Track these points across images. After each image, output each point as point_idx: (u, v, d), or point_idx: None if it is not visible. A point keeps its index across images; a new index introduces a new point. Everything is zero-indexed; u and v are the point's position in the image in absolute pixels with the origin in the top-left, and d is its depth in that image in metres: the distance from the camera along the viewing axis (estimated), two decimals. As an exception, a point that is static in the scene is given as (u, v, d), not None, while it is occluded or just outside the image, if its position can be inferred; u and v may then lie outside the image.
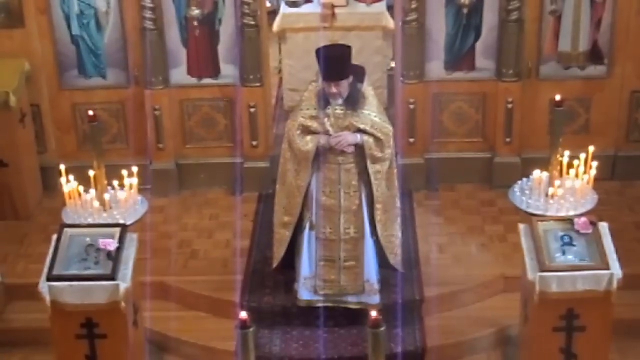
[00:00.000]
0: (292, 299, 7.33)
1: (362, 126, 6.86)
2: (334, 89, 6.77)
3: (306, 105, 6.94)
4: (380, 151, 6.93)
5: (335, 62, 6.76)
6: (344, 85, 6.79)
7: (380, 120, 6.93)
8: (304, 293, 7.26)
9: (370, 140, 6.89)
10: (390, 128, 6.97)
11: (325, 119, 6.86)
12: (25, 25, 8.37)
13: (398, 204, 7.28)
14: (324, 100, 6.85)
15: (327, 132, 6.87)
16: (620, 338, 7.03)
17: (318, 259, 7.15)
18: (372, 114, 6.90)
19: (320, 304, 7.26)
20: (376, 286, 7.24)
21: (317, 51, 6.82)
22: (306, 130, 6.90)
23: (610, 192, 8.46)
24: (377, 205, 7.06)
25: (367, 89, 6.96)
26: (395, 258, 7.33)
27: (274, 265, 7.38)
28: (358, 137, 6.88)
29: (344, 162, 6.96)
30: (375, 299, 7.26)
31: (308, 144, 6.89)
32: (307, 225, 7.10)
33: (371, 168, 6.96)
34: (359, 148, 6.91)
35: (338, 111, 6.87)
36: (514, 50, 8.32)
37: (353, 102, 6.85)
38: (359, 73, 6.94)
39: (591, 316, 6.58)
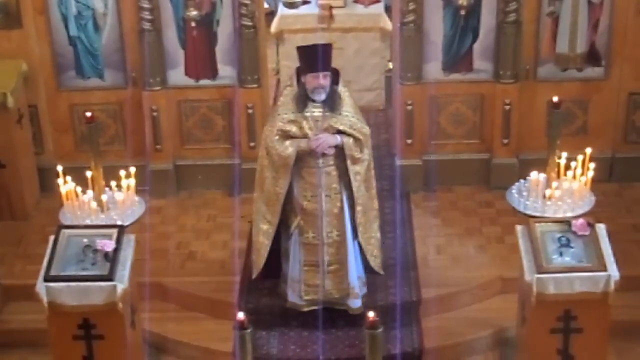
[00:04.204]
0: (284, 300, 7.33)
1: (341, 127, 6.85)
2: (322, 81, 6.74)
3: (284, 110, 6.92)
4: (360, 151, 6.92)
5: (321, 53, 6.74)
6: (329, 78, 6.78)
7: (358, 120, 6.93)
8: (291, 295, 7.25)
9: (350, 141, 6.88)
10: (367, 129, 6.97)
11: (304, 122, 6.85)
12: (23, 26, 8.37)
13: (376, 205, 7.27)
14: (302, 103, 6.84)
15: (305, 136, 6.86)
16: (617, 340, 7.04)
17: (302, 264, 7.13)
18: (349, 114, 6.90)
19: (305, 309, 7.25)
20: (357, 290, 7.20)
21: (300, 48, 6.84)
22: (285, 135, 6.86)
23: (608, 194, 8.46)
24: (358, 208, 7.02)
25: (342, 90, 6.96)
26: (375, 260, 7.29)
27: (254, 276, 7.34)
28: (338, 139, 6.86)
29: (324, 165, 6.93)
30: (356, 302, 7.23)
31: (288, 148, 6.86)
32: (297, 231, 7.08)
33: (351, 169, 6.93)
34: (339, 150, 6.89)
35: (316, 114, 6.86)
36: (511, 52, 8.33)
37: (331, 103, 6.84)
38: (335, 74, 6.93)
39: (588, 318, 6.58)
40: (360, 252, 7.22)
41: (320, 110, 6.85)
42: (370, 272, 7.33)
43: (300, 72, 6.87)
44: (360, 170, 6.96)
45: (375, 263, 7.30)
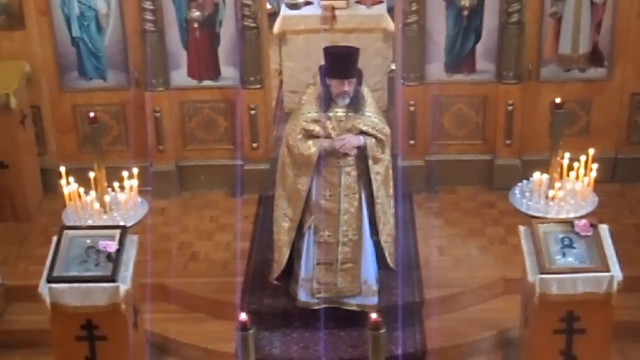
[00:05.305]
0: (292, 300, 7.33)
1: (364, 128, 6.88)
2: (346, 87, 6.77)
3: (307, 109, 6.93)
4: (381, 152, 6.95)
5: (348, 60, 6.77)
6: (353, 83, 6.81)
7: (380, 121, 6.96)
8: (302, 295, 7.26)
9: (372, 141, 6.91)
10: (388, 129, 7.01)
11: (328, 122, 6.86)
12: (25, 27, 8.38)
13: (393, 204, 7.29)
14: (326, 104, 6.85)
15: (329, 136, 6.88)
16: (620, 340, 7.03)
17: (315, 262, 7.14)
18: (372, 115, 6.93)
19: (317, 307, 7.26)
20: (374, 287, 7.24)
21: (327, 50, 6.83)
22: (308, 135, 6.89)
23: (611, 194, 8.46)
24: (377, 207, 7.06)
25: (365, 90, 6.98)
26: (391, 257, 7.32)
27: (276, 274, 7.28)
28: (361, 140, 6.89)
29: (345, 165, 6.96)
30: (373, 300, 7.25)
31: (311, 148, 6.88)
32: (312, 230, 7.09)
33: (372, 169, 6.96)
34: (359, 150, 6.92)
35: (339, 114, 6.88)
36: (514, 53, 8.33)
37: (355, 104, 6.87)
38: (358, 75, 6.95)
39: (591, 318, 6.57)
40: (376, 250, 7.22)
41: (344, 110, 6.87)
42: (387, 269, 7.33)
43: (323, 72, 6.86)
44: (380, 170, 6.99)
45: (391, 260, 7.32)
